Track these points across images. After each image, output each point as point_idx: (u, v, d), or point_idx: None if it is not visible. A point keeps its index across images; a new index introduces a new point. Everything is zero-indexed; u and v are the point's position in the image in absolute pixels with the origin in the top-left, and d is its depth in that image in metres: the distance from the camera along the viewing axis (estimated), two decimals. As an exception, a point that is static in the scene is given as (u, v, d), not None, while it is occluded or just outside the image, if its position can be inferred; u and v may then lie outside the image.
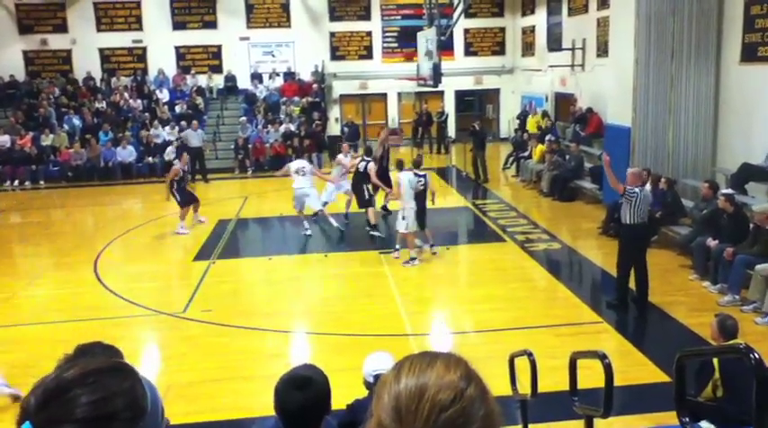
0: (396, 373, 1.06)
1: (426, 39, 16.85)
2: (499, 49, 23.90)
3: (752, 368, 2.22)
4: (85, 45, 22.20)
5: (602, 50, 15.26)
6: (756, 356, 2.24)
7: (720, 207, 8.77)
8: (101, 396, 1.07)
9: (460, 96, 24.04)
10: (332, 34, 23.22)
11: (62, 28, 22.19)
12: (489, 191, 15.72)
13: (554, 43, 18.49)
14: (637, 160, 11.56)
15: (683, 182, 11.21)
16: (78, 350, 2.15)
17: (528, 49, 22.16)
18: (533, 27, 21.30)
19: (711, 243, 8.64)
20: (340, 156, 12.85)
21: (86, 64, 22.24)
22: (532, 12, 21.41)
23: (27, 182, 18.55)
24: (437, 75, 15.44)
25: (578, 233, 11.83)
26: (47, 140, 19.35)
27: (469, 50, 23.78)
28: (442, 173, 18.61)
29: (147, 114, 20.75)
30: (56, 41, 22.18)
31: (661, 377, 6.01)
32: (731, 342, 4.66)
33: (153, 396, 1.17)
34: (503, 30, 23.75)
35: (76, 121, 20.10)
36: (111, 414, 1.06)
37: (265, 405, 4.36)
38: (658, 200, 10.31)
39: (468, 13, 22.42)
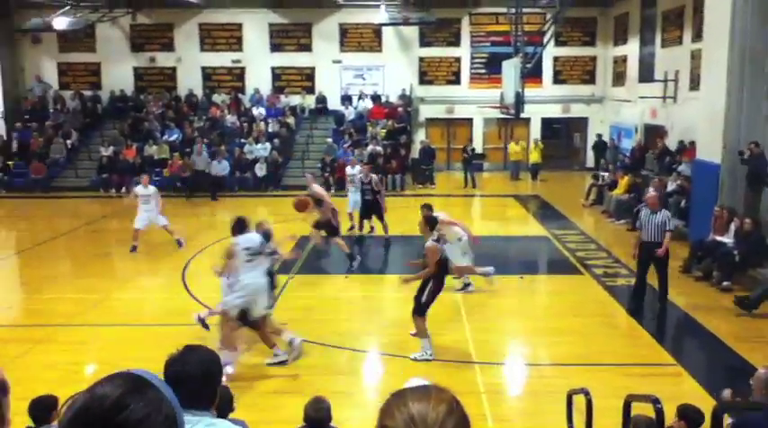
0: (402, 399, 1.35)
1: (511, 67, 16.85)
2: (589, 78, 23.57)
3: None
4: (189, 63, 23.67)
5: (695, 83, 14.79)
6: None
7: None
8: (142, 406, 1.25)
9: (547, 124, 23.81)
10: (421, 59, 23.63)
11: (169, 47, 23.78)
12: (570, 221, 15.48)
13: (645, 74, 18.08)
14: (725, 198, 11.15)
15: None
16: (186, 347, 2.42)
17: (618, 78, 21.74)
18: (625, 57, 20.91)
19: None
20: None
21: (189, 81, 23.68)
22: (625, 42, 21.02)
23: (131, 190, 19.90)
24: (519, 104, 15.40)
25: (659, 270, 11.47)
26: (150, 151, 20.72)
27: (558, 78, 23.56)
28: (524, 200, 18.46)
29: (243, 129, 21.82)
30: (163, 59, 23.77)
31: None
32: None
33: (179, 411, 1.38)
34: (593, 59, 23.43)
35: (177, 135, 21.35)
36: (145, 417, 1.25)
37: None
38: (741, 240, 9.93)
39: (559, 41, 22.27)
